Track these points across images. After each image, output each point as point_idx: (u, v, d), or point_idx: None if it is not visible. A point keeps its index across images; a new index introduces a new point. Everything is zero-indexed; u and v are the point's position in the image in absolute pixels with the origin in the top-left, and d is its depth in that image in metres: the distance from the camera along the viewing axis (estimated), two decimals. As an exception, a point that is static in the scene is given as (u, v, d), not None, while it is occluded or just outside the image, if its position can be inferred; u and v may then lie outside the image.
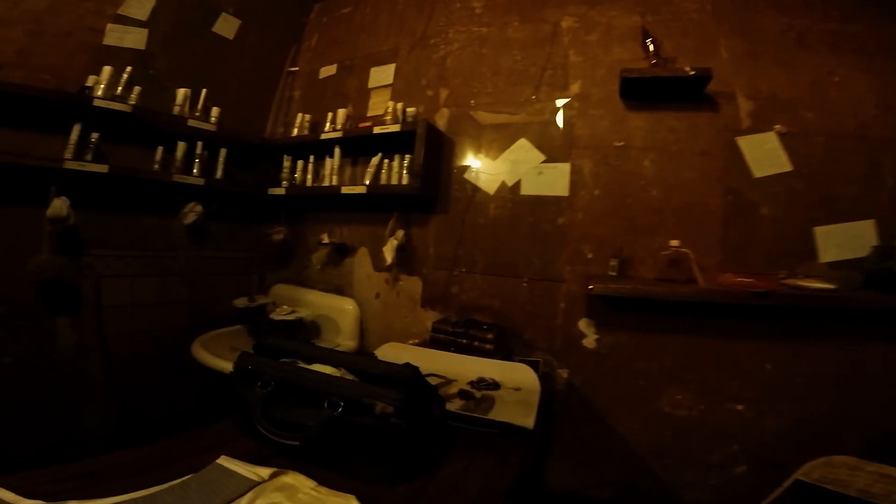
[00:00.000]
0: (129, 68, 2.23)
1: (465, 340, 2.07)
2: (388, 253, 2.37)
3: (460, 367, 1.87)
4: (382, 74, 2.80)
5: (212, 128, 2.54)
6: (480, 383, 1.72)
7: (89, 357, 2.34)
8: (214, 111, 2.58)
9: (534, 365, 1.94)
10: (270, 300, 2.66)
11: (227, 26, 2.73)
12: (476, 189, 2.40)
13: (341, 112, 2.69)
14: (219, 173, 2.66)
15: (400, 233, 2.45)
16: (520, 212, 2.31)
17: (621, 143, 2.15)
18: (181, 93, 2.46)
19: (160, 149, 2.41)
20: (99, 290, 2.36)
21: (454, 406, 1.46)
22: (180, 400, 2.65)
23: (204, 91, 2.54)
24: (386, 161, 2.50)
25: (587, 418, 2.14)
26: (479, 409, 1.48)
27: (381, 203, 2.55)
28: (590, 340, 2.12)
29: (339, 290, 2.77)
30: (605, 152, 2.17)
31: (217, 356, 2.17)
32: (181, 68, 2.55)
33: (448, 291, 2.41)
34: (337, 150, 2.64)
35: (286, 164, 2.81)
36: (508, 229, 2.32)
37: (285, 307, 2.48)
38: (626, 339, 2.08)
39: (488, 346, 2.00)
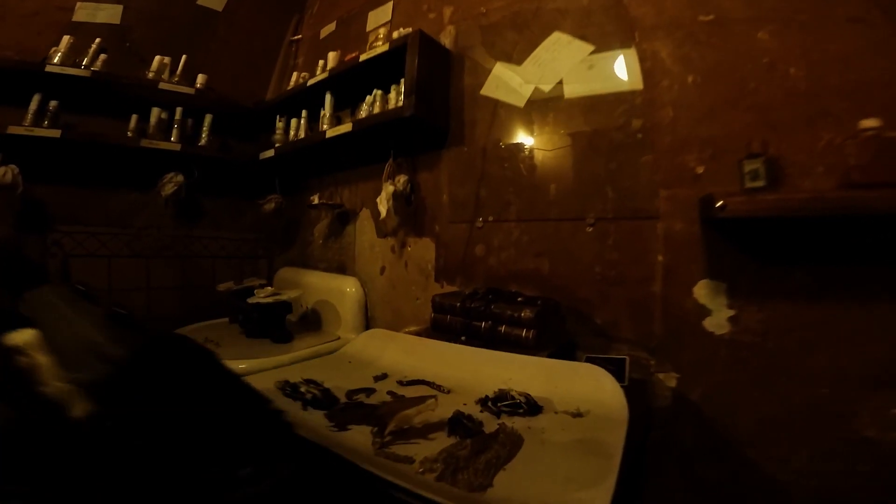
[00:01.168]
0: (97, 39, 1.94)
1: (483, 323, 1.19)
2: (383, 204, 1.60)
3: (474, 370, 1.04)
4: (380, 15, 2.07)
5: (189, 90, 2.08)
6: (500, 401, 0.88)
7: None
8: (200, 78, 2.15)
9: (615, 367, 1.04)
10: (259, 283, 2.06)
11: None
12: (499, 105, 1.54)
13: (332, 55, 1.98)
14: (203, 139, 2.16)
15: (401, 178, 1.66)
16: (569, 121, 1.40)
17: (710, 17, 1.20)
18: (157, 59, 2.07)
19: (134, 117, 2.02)
20: (67, 271, 1.93)
21: (421, 454, 0.66)
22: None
23: (184, 57, 2.13)
24: (379, 93, 1.74)
25: (712, 452, 1.15)
26: (475, 468, 0.64)
27: (380, 150, 1.78)
28: (717, 320, 1.12)
29: (342, 268, 2.06)
30: (688, 30, 1.23)
31: None
32: (163, 40, 2.18)
33: (470, 254, 1.55)
34: (328, 97, 1.93)
35: (279, 124, 2.17)
36: (553, 151, 1.41)
37: (269, 289, 1.84)
38: (790, 314, 1.05)
39: (524, 333, 1.11)
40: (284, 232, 2.43)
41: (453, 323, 1.23)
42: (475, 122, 1.61)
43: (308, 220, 2.25)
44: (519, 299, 1.22)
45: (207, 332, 1.88)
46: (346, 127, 1.74)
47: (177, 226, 2.24)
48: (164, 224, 2.19)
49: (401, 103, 1.59)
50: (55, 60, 1.82)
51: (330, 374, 0.98)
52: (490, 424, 0.78)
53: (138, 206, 2.12)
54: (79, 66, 1.86)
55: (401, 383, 1.03)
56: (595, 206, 1.32)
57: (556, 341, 1.16)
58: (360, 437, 0.74)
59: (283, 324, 1.80)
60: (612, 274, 1.27)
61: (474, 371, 1.03)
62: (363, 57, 1.76)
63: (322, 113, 1.95)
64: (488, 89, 1.57)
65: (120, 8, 2.11)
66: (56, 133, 1.77)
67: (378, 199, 1.61)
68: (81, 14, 2.02)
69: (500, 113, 1.55)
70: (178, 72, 2.11)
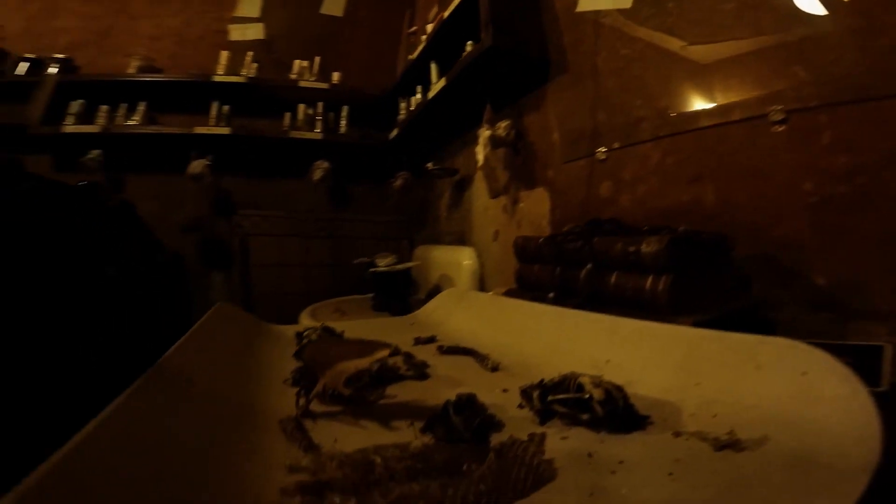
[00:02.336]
0: (249, 53, 2.26)
1: (581, 271, 0.73)
2: (480, 151, 1.28)
3: (552, 342, 0.65)
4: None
5: (324, 86, 2.25)
6: (555, 393, 0.47)
7: None
8: (335, 75, 2.33)
9: (855, 360, 0.48)
10: (390, 259, 1.97)
11: (333, 5, 2.54)
12: (601, 14, 1.05)
13: (429, 27, 1.78)
14: (342, 128, 2.29)
15: (502, 123, 1.31)
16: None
17: None
18: (296, 63, 2.32)
19: (287, 114, 2.26)
20: (247, 248, 2.23)
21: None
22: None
23: (317, 59, 2.34)
24: (470, 44, 1.40)
25: None
26: None
27: (483, 104, 1.46)
28: None
29: (461, 239, 1.80)
30: None
31: (317, 321, 1.62)
32: (299, 47, 2.43)
33: (593, 196, 1.06)
34: (432, 66, 1.71)
35: (402, 105, 2.08)
36: (691, 31, 0.84)
37: (390, 259, 1.73)
38: None
39: (648, 282, 0.63)
40: (420, 211, 2.34)
41: (541, 275, 0.83)
42: (577, 43, 1.14)
43: (435, 195, 2.09)
44: (644, 228, 0.74)
45: (342, 305, 1.89)
46: (440, 83, 1.50)
47: (329, 209, 2.38)
48: (318, 208, 2.36)
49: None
50: (219, 72, 2.16)
51: (376, 334, 0.74)
52: (517, 430, 0.40)
53: (299, 193, 2.34)
54: (234, 73, 2.18)
55: (441, 349, 0.70)
56: (781, 93, 0.73)
57: (716, 302, 0.65)
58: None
59: (404, 296, 1.66)
60: (842, 192, 0.66)
61: (551, 343, 0.63)
62: (446, 13, 1.51)
63: (432, 84, 1.77)
64: (584, 4, 1.08)
65: (262, 25, 2.38)
66: (227, 130, 2.07)
67: (476, 148, 1.30)
68: (235, 33, 2.35)
69: (605, 23, 1.07)
70: (315, 72, 2.31)
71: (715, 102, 0.83)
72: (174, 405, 0.35)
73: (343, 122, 2.30)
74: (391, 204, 2.45)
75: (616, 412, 0.41)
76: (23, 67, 2.13)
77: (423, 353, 0.67)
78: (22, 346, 0.39)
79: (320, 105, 2.24)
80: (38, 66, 2.14)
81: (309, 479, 0.26)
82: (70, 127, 1.98)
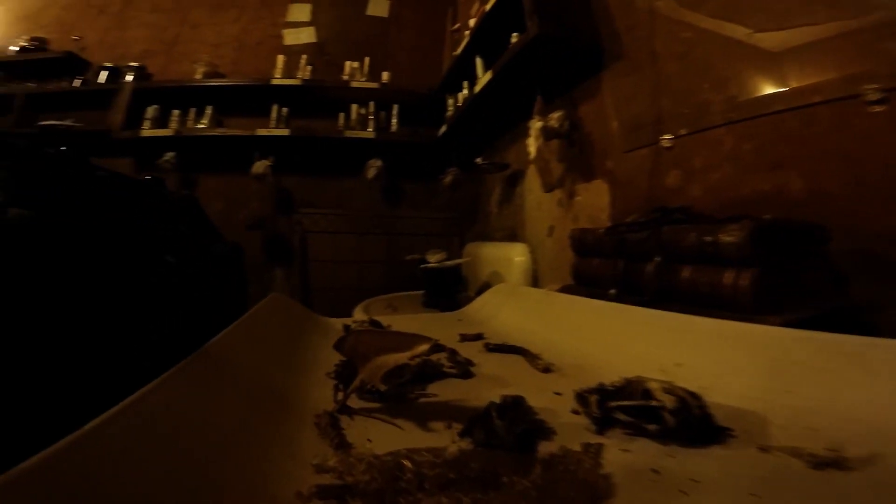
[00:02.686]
0: (304, 56, 2.38)
1: (648, 265, 0.65)
2: (532, 143, 1.21)
3: (614, 343, 0.58)
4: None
5: (374, 85, 2.30)
6: (616, 399, 0.42)
7: None
8: (384, 75, 2.36)
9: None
10: (440, 255, 1.95)
11: (378, 7, 2.73)
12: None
13: (472, 21, 1.71)
14: (393, 127, 2.32)
15: (554, 114, 1.22)
16: None
17: None
18: (347, 65, 2.37)
19: (341, 115, 2.32)
20: (306, 245, 2.31)
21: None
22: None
23: (367, 59, 2.38)
24: (516, 35, 1.32)
25: None
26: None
27: (533, 95, 1.38)
28: None
29: (513, 235, 1.73)
30: None
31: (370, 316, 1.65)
32: (349, 49, 2.51)
33: (658, 187, 0.96)
34: (478, 61, 1.67)
35: (449, 101, 2.06)
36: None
37: (440, 255, 1.71)
38: None
39: (729, 277, 0.54)
40: (471, 207, 2.30)
41: (601, 269, 0.75)
42: (632, 29, 1.06)
43: (486, 191, 2.04)
44: (726, 219, 0.63)
45: (394, 301, 1.90)
46: (486, 77, 1.45)
47: (382, 207, 2.42)
48: (372, 205, 2.41)
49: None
50: (276, 76, 2.26)
51: (422, 328, 0.71)
52: (569, 439, 0.35)
53: (353, 192, 2.40)
54: (289, 76, 2.28)
55: (488, 347, 0.65)
56: (873, 72, 0.61)
57: (808, 301, 0.54)
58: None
59: (454, 293, 1.64)
60: None
61: (613, 344, 0.56)
62: (487, 6, 1.46)
63: (478, 79, 1.72)
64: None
65: (313, 28, 2.59)
66: (286, 131, 2.17)
67: (527, 141, 1.24)
68: (289, 38, 2.57)
69: (659, 7, 0.96)
70: (365, 72, 2.36)
71: (789, 87, 0.72)
72: (209, 391, 0.34)
73: (394, 121, 2.33)
74: (442, 201, 2.44)
75: (690, 422, 0.35)
76: (103, 76, 2.36)
77: (469, 351, 0.64)
78: (84, 319, 0.40)
79: (372, 105, 2.29)
80: (115, 74, 2.37)
81: (332, 482, 0.23)
82: (147, 131, 2.17)
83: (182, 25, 2.58)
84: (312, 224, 2.31)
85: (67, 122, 2.17)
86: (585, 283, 0.80)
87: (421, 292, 2.02)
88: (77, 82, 2.31)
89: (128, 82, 2.27)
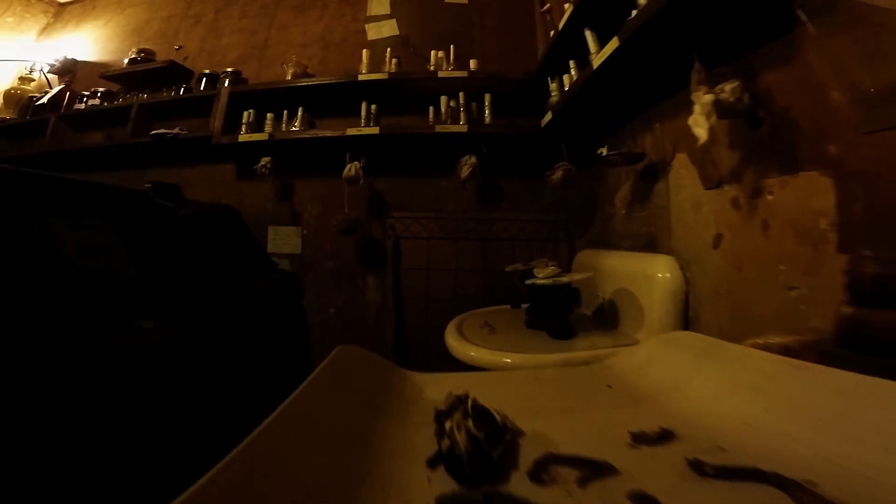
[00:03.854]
0: (388, 49, 2.29)
1: None
2: (699, 124, 0.86)
3: None
4: None
5: (463, 73, 2.10)
6: None
7: (386, 317, 2.22)
8: (472, 63, 2.15)
9: None
10: (546, 264, 1.67)
11: None
12: None
13: None
14: (487, 118, 2.10)
15: (728, 85, 0.86)
16: None
17: None
18: (432, 54, 2.24)
19: (430, 109, 2.15)
20: (398, 251, 2.18)
21: None
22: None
23: (452, 47, 2.22)
24: None
25: None
26: None
27: (682, 65, 1.01)
28: None
29: (651, 244, 1.37)
30: None
31: (464, 339, 1.44)
32: (434, 39, 2.39)
33: None
34: (588, 35, 1.38)
35: (552, 86, 1.79)
36: None
37: (551, 268, 1.42)
38: None
39: None
40: (584, 208, 1.98)
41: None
42: None
43: (607, 189, 1.71)
44: None
45: (491, 317, 1.68)
46: (611, 45, 1.13)
47: (479, 209, 2.20)
48: (468, 207, 2.20)
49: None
50: (363, 71, 2.19)
51: (551, 393, 0.47)
52: None
53: (448, 193, 2.21)
54: (375, 70, 2.19)
55: (697, 467, 0.37)
56: None
57: None
58: None
59: (565, 315, 1.36)
60: None
61: None
62: None
63: (590, 55, 1.39)
64: None
65: (394, 21, 2.51)
66: (376, 130, 2.04)
67: (690, 121, 0.91)
68: (372, 32, 2.54)
69: None
70: (451, 61, 2.19)
71: None
72: None
73: (487, 112, 2.10)
74: (548, 200, 2.16)
75: None
76: (203, 82, 2.47)
77: (661, 471, 0.38)
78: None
79: (462, 95, 2.08)
80: (213, 80, 2.46)
81: None
82: (244, 136, 2.20)
83: (270, 28, 2.62)
84: (405, 229, 2.18)
85: (176, 130, 2.30)
86: (868, 348, 0.48)
87: (523, 306, 1.77)
88: (181, 90, 2.45)
89: (224, 88, 2.35)
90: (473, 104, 2.12)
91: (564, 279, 1.29)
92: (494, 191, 2.18)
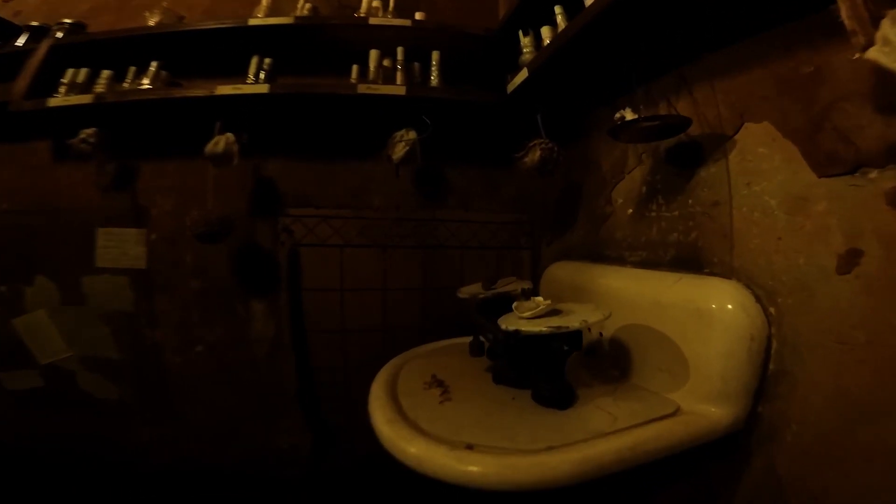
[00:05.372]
0: None
1: None
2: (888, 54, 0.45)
3: None
4: None
5: (405, 22, 1.49)
6: None
7: (284, 356, 1.60)
8: (418, 14, 1.56)
9: None
10: (521, 288, 1.20)
11: None
12: None
13: None
14: (434, 81, 1.50)
15: None
16: None
17: None
18: (364, 1, 1.60)
19: (355, 68, 1.52)
20: (297, 264, 1.55)
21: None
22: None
23: None
24: None
25: None
26: None
27: None
28: None
29: (687, 259, 0.92)
30: None
31: (401, 415, 0.88)
32: None
33: None
34: None
35: (525, 41, 1.32)
36: None
37: (537, 302, 0.93)
38: None
39: None
40: (558, 206, 1.54)
41: None
42: None
43: (599, 178, 1.27)
44: None
45: (440, 362, 1.15)
46: None
47: (418, 206, 1.66)
48: (403, 203, 1.65)
49: None
50: (259, 14, 1.52)
51: None
52: None
53: (374, 183, 1.65)
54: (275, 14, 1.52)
55: None
56: None
57: None
58: None
59: (563, 374, 0.89)
60: None
61: None
62: None
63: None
64: None
65: None
66: (264, 88, 1.39)
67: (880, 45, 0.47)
68: None
69: None
70: (391, 8, 1.56)
71: None
72: None
73: (434, 73, 1.52)
74: (508, 196, 1.70)
75: None
76: (23, 39, 1.66)
77: None
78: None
79: (401, 51, 1.50)
80: (40, 34, 1.65)
81: None
82: (58, 99, 1.45)
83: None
84: (307, 232, 1.57)
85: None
86: None
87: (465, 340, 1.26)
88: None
89: (45, 41, 1.56)
90: (416, 64, 1.56)
91: (572, 323, 0.79)
92: (440, 181, 1.65)
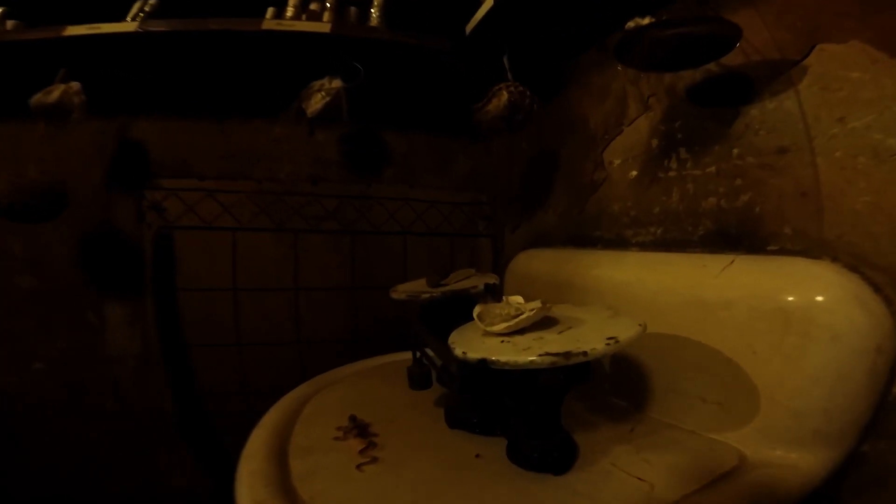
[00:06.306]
0: None
1: None
2: None
3: None
4: None
5: None
6: None
7: (156, 377, 1.17)
8: None
9: None
10: (484, 284, 0.88)
11: None
12: None
13: None
14: (374, 20, 1.12)
15: None
16: None
17: None
18: None
19: (270, 9, 1.07)
20: (171, 255, 1.13)
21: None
22: None
23: None
24: None
25: None
26: None
27: None
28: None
29: (740, 233, 0.63)
30: None
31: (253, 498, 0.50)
32: None
33: None
34: None
35: None
36: None
37: (518, 305, 0.62)
38: None
39: None
40: (526, 182, 1.23)
41: None
42: None
43: (585, 137, 0.97)
44: None
45: (367, 392, 0.79)
46: None
47: (344, 178, 1.29)
48: (323, 173, 1.27)
49: None
50: None
51: None
52: None
53: (283, 147, 1.25)
54: None
55: None
56: None
57: None
58: None
59: (556, 412, 0.57)
60: None
61: None
62: None
63: None
64: None
65: None
66: (131, 26, 0.96)
67: None
68: None
69: None
70: None
71: None
72: None
73: (375, 13, 1.16)
74: (463, 170, 1.38)
75: None
76: None
77: None
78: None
79: None
80: None
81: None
82: None
83: None
84: (185, 211, 1.14)
85: None
86: None
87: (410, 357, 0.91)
88: None
89: None
90: (353, 8, 1.17)
91: (591, 344, 0.46)
92: (375, 148, 1.29)
